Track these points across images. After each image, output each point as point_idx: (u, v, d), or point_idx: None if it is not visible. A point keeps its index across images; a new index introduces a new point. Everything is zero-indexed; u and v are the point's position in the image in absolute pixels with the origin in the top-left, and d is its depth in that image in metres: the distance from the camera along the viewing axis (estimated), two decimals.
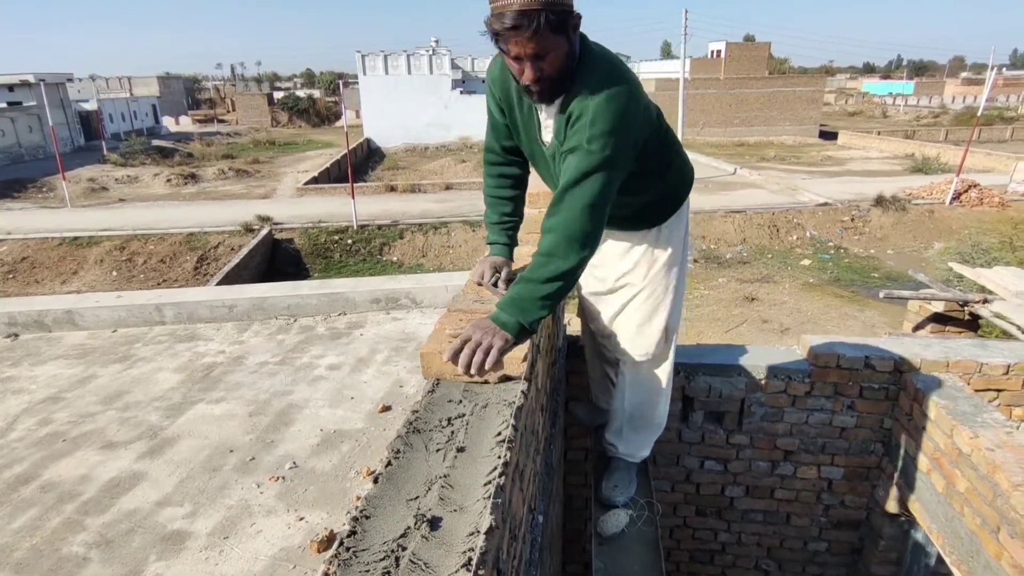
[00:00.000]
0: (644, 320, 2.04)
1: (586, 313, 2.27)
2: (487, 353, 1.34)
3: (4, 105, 31.35)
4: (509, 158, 1.88)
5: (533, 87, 1.48)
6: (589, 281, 2.13)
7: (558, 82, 1.49)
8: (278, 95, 56.93)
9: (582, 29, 1.53)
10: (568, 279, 1.50)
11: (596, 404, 2.63)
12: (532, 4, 1.35)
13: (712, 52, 46.50)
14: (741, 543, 3.33)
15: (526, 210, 2.65)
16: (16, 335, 3.31)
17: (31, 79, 31.05)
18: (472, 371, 1.33)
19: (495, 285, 1.78)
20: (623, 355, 2.12)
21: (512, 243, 1.94)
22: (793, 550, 3.29)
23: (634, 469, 2.38)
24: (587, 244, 1.50)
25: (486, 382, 1.36)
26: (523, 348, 1.41)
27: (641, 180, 1.73)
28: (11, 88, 32.55)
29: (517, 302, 1.46)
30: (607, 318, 2.12)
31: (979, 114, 23.94)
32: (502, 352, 1.36)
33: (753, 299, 13.23)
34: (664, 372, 2.19)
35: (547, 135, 1.66)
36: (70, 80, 36.82)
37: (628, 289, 2.02)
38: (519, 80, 1.51)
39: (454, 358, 1.34)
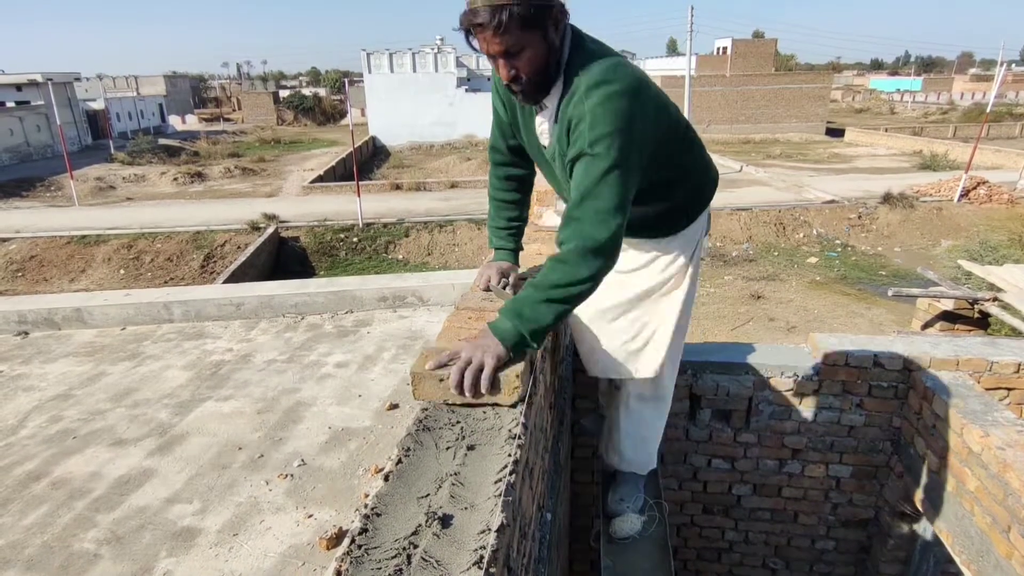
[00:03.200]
0: (663, 333, 1.90)
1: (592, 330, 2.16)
2: (478, 372, 1.21)
3: (12, 104, 31.54)
4: (514, 158, 1.78)
5: (513, 87, 1.41)
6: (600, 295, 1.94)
7: (539, 83, 1.40)
8: (284, 94, 57.10)
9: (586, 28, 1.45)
10: (580, 287, 1.36)
11: (604, 415, 2.57)
12: None
13: (718, 49, 46.32)
14: (748, 541, 3.32)
15: (535, 207, 2.65)
16: (26, 333, 3.33)
17: (39, 78, 31.21)
18: (466, 393, 1.20)
19: (504, 289, 1.68)
20: (631, 371, 1.96)
21: (517, 247, 1.83)
22: (801, 548, 3.28)
23: (641, 481, 2.32)
24: (603, 253, 1.36)
25: (477, 405, 1.23)
26: (517, 368, 1.26)
27: (659, 188, 1.60)
28: (19, 87, 32.73)
29: (519, 308, 1.32)
30: (616, 332, 1.93)
31: (988, 111, 23.71)
32: (496, 371, 1.23)
33: (759, 297, 13.18)
34: (671, 387, 2.10)
35: (544, 138, 1.57)
36: (77, 79, 37.00)
37: (642, 303, 1.87)
38: (505, 84, 1.43)
39: (455, 382, 1.22)
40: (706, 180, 1.79)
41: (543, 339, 1.36)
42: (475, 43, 1.34)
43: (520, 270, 1.83)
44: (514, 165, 1.79)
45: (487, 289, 1.69)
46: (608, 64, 1.39)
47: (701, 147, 1.74)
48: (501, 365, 1.25)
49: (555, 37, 1.37)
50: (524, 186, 1.84)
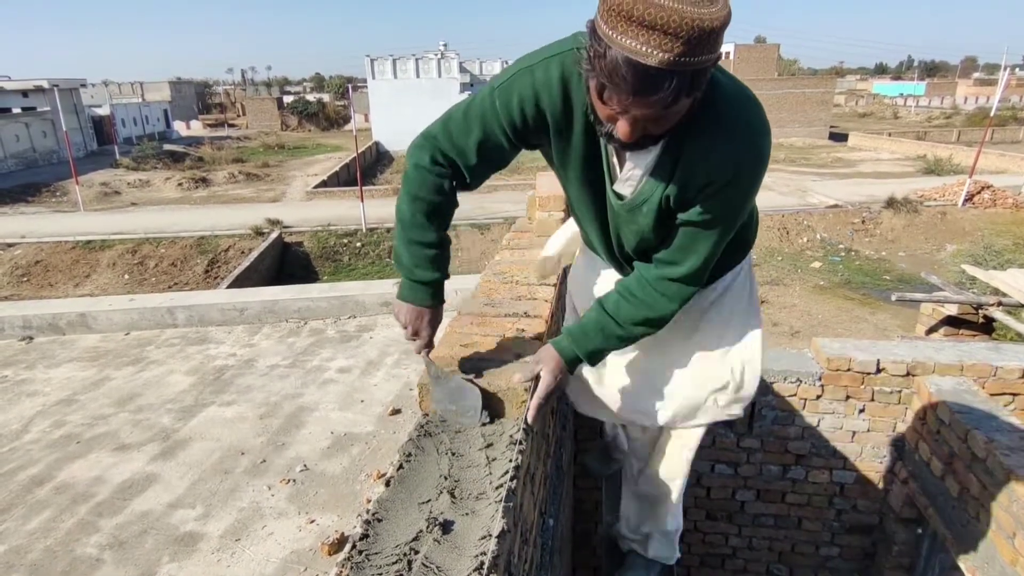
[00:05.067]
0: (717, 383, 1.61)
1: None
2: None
3: (19, 110, 31.76)
4: (470, 179, 1.29)
5: (624, 140, 1.04)
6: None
7: (660, 138, 1.08)
8: (288, 99, 57.35)
9: None
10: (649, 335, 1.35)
11: (607, 452, 2.33)
12: (674, 63, 0.88)
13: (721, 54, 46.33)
14: (752, 547, 3.31)
15: (537, 213, 2.65)
16: (31, 338, 3.34)
17: (45, 85, 31.44)
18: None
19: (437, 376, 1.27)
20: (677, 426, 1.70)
21: (443, 281, 1.33)
22: (805, 555, 3.27)
23: (656, 570, 1.94)
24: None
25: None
26: (525, 383, 1.26)
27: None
28: (25, 94, 32.95)
29: (597, 347, 1.30)
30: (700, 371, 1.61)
31: (992, 115, 23.70)
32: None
33: (763, 302, 13.08)
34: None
35: (625, 187, 1.22)
36: (83, 85, 37.23)
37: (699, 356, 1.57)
38: (602, 122, 1.06)
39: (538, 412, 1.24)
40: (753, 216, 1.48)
41: None
42: (606, 96, 0.98)
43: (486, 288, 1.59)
44: (461, 178, 1.29)
45: (417, 349, 1.31)
46: (757, 110, 1.13)
47: None
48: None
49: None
50: (452, 208, 1.33)
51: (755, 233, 1.53)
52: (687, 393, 1.60)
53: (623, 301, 1.29)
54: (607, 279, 1.55)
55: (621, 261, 1.44)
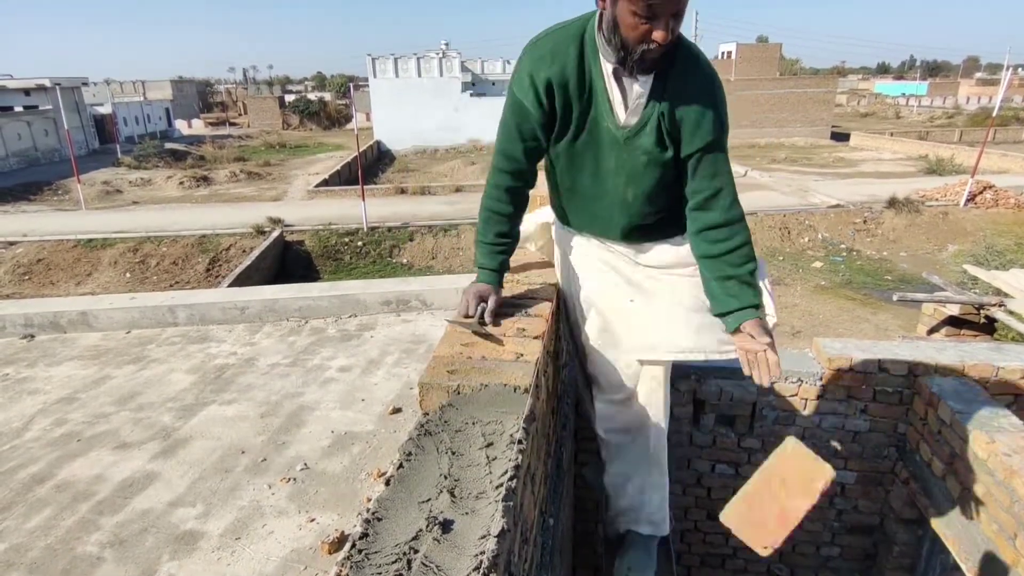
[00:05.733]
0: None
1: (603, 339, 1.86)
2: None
3: (20, 109, 31.79)
4: (527, 166, 1.67)
5: (657, 52, 1.40)
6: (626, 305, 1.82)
7: (653, 70, 1.49)
8: (289, 98, 57.34)
9: None
10: None
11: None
12: None
13: (723, 53, 46.31)
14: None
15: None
16: (32, 336, 3.34)
17: (47, 83, 31.46)
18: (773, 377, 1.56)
19: (481, 321, 1.55)
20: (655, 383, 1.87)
21: (503, 268, 1.70)
22: (805, 555, 3.26)
23: (654, 544, 2.06)
24: None
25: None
26: (527, 382, 1.31)
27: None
28: (27, 92, 32.97)
29: (759, 298, 1.66)
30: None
31: (994, 115, 23.66)
32: None
33: None
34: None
35: (632, 117, 1.55)
36: (85, 84, 37.25)
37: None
38: (632, 50, 1.41)
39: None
40: None
41: None
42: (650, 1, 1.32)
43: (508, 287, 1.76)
44: (522, 176, 1.68)
45: (467, 317, 1.56)
46: (709, 63, 1.59)
47: None
48: None
49: None
50: (522, 201, 1.72)
51: None
52: (694, 321, 1.78)
53: (731, 247, 1.66)
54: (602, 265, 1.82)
55: (620, 211, 1.69)
